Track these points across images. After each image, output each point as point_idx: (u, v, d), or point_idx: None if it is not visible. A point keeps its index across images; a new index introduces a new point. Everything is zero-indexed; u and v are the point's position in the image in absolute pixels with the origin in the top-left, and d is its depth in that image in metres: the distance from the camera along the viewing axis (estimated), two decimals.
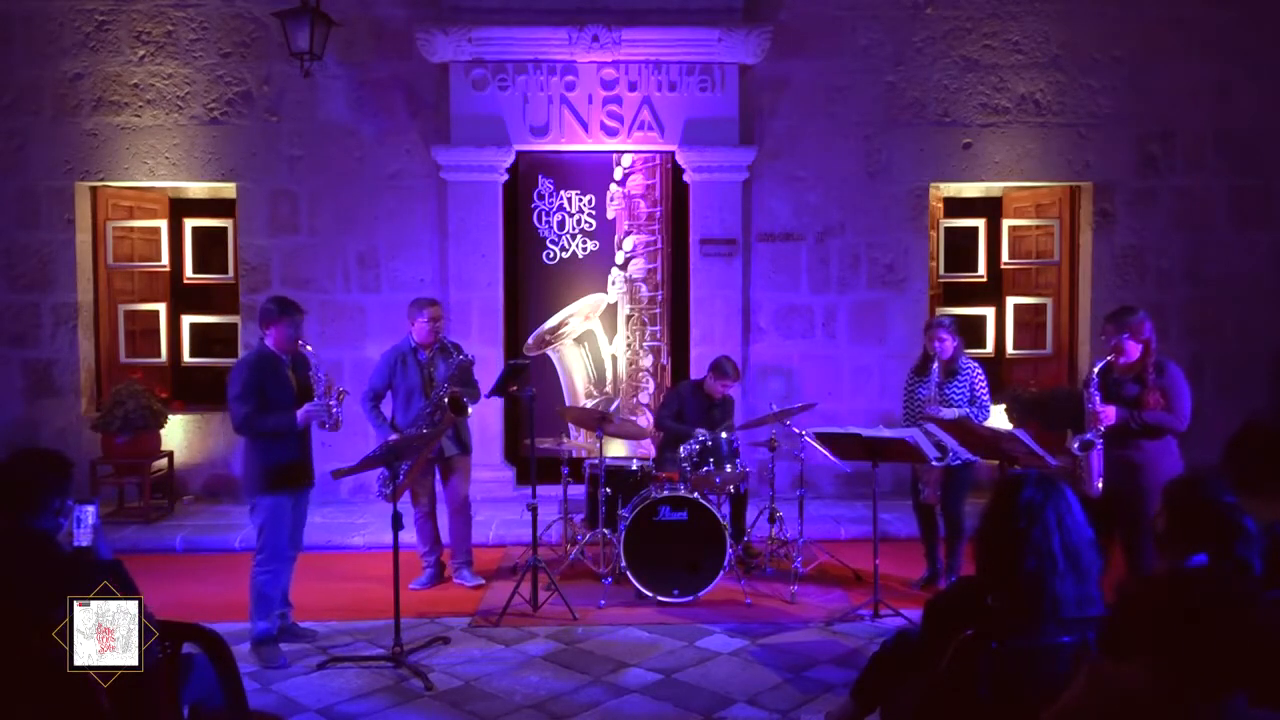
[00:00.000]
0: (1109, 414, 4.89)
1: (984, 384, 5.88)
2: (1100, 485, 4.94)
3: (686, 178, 8.12)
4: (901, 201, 8.17)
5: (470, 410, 5.93)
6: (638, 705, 4.48)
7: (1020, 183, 8.35)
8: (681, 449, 6.11)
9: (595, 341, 8.38)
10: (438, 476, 6.22)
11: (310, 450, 5.27)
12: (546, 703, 4.50)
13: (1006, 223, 8.58)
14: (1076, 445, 4.90)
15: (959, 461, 5.73)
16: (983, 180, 8.30)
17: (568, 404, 8.22)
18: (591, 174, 8.26)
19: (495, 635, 5.34)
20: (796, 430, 6.22)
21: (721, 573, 5.79)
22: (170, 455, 8.07)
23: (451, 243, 8.05)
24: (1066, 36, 8.11)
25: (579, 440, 7.97)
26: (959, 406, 5.78)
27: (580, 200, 8.27)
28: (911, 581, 6.13)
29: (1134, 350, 4.99)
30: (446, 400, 5.84)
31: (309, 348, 5.18)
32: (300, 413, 5.05)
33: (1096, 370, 4.97)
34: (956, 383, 5.83)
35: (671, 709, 4.43)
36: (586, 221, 8.30)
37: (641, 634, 5.36)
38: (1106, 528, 5.02)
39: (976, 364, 5.95)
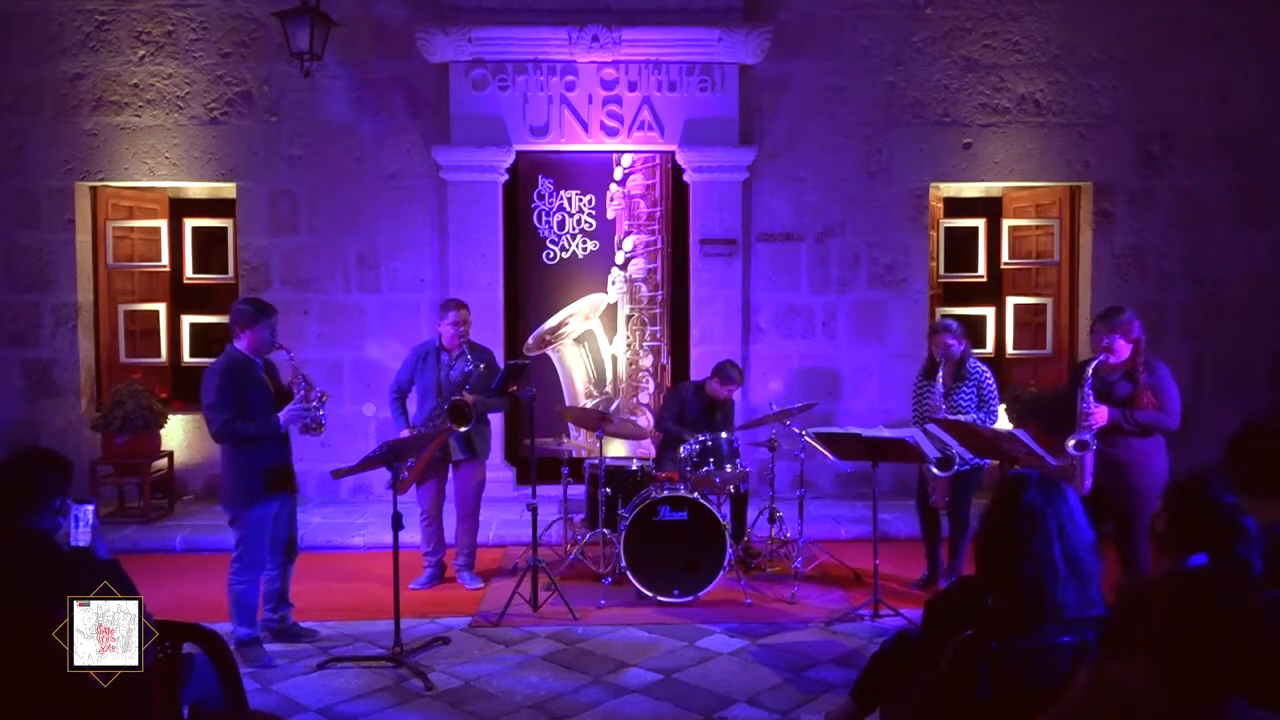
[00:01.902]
0: (1101, 414, 4.90)
1: (993, 387, 5.86)
2: (1090, 484, 4.94)
3: (686, 178, 8.12)
4: (901, 201, 8.17)
5: (471, 424, 5.82)
6: (638, 705, 4.47)
7: (1020, 183, 8.35)
8: (681, 449, 6.11)
9: (595, 341, 8.37)
10: (450, 477, 6.19)
11: (291, 456, 5.17)
12: (546, 703, 4.49)
13: (1006, 223, 8.58)
14: (1072, 445, 4.91)
15: (967, 468, 5.72)
16: (983, 180, 8.30)
17: (568, 404, 8.22)
18: (591, 174, 8.26)
19: (495, 635, 5.34)
20: (796, 430, 6.22)
21: (721, 573, 5.79)
22: (170, 455, 8.07)
23: (452, 243, 8.04)
24: (1066, 36, 8.11)
25: (579, 440, 7.97)
26: (967, 411, 5.76)
27: (580, 200, 8.26)
28: (911, 581, 6.13)
29: (1124, 349, 5.01)
30: (446, 407, 5.83)
31: (290, 352, 5.13)
32: (282, 415, 4.95)
33: (1090, 370, 4.98)
34: (965, 387, 5.82)
35: (671, 709, 4.43)
36: (586, 221, 8.29)
37: (642, 634, 5.36)
38: (1096, 526, 5.05)
39: (985, 367, 5.94)
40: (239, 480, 4.95)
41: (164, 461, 8.01)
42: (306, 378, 5.08)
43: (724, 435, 6.13)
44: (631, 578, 5.78)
